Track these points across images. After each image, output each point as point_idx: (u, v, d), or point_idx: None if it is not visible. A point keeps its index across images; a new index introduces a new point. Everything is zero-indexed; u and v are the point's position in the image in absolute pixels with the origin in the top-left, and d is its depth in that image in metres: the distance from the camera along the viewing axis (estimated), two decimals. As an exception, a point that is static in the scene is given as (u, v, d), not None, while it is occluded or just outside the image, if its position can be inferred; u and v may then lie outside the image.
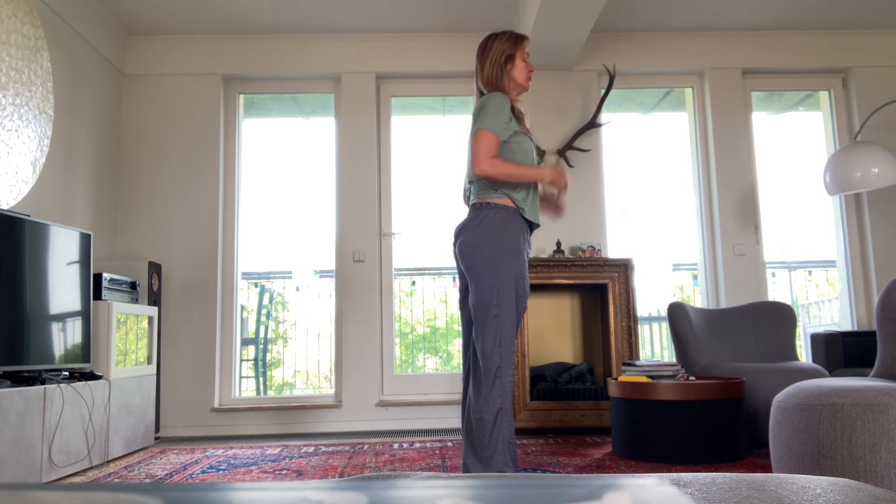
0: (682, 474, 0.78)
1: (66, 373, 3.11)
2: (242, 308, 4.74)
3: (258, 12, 4.41)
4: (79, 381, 3.06)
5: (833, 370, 4.07)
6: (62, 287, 3.07)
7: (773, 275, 4.95)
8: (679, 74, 4.91)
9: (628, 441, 3.15)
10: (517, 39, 2.59)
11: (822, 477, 0.77)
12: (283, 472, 3.04)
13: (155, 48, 4.67)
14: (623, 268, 4.20)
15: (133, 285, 3.83)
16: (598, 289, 4.43)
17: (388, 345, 4.55)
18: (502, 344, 2.34)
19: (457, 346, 4.83)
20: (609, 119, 4.79)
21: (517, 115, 2.56)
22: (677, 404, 3.03)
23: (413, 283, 4.84)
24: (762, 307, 4.07)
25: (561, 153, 4.59)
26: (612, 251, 4.66)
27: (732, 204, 4.69)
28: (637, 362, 3.37)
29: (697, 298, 4.86)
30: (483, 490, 0.35)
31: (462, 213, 4.85)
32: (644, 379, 3.18)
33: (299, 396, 4.59)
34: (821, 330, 4.50)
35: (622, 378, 3.25)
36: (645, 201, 4.87)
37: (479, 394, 2.36)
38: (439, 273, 4.83)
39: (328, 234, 4.67)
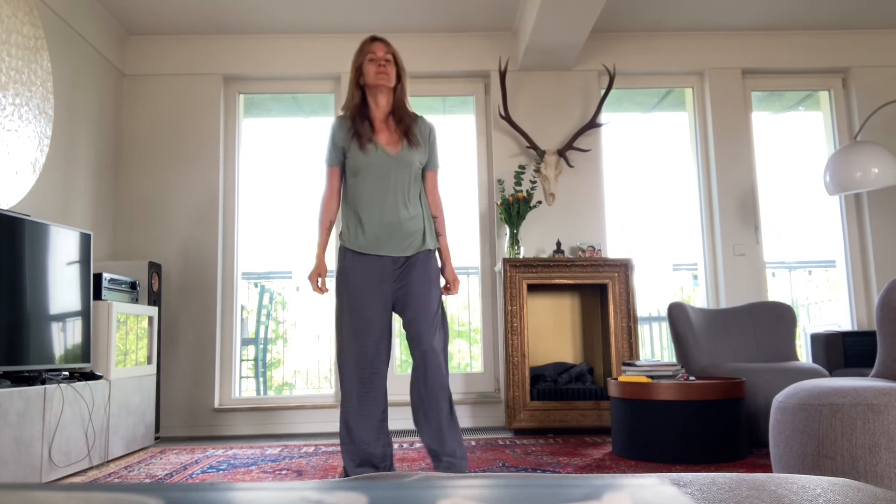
0: (682, 474, 0.78)
1: (66, 373, 3.11)
2: (242, 308, 4.74)
3: (258, 12, 4.41)
4: (79, 381, 3.06)
5: (833, 370, 4.07)
6: (62, 287, 3.07)
7: (773, 275, 4.95)
8: (679, 74, 4.91)
9: (628, 441, 3.15)
10: (360, 49, 2.66)
11: (822, 477, 0.77)
12: (283, 472, 3.04)
13: (155, 48, 4.67)
14: (623, 268, 4.20)
15: (133, 285, 3.83)
16: (598, 289, 4.43)
17: (388, 345, 4.55)
18: (339, 358, 2.61)
19: (456, 346, 4.83)
20: (609, 119, 4.79)
21: (358, 131, 2.58)
22: (677, 404, 3.03)
23: (413, 283, 4.83)
24: (762, 307, 4.07)
25: (561, 153, 4.59)
26: (612, 251, 4.66)
27: (732, 204, 4.69)
28: (637, 362, 3.37)
29: (697, 298, 4.86)
30: (483, 490, 0.35)
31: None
32: (644, 379, 3.18)
33: (299, 396, 4.59)
34: (821, 330, 4.50)
35: (622, 378, 3.25)
36: (645, 201, 4.87)
37: None
38: (439, 273, 4.83)
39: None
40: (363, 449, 2.52)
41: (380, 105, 2.62)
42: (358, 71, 2.63)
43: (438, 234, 2.72)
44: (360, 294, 2.57)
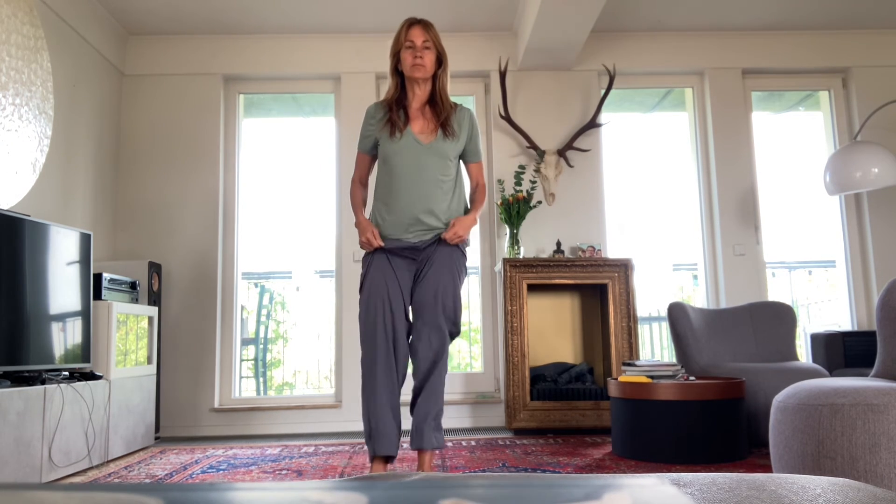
0: (682, 474, 0.78)
1: (66, 373, 3.11)
2: (242, 308, 4.74)
3: (258, 12, 4.41)
4: (79, 381, 3.06)
5: (833, 370, 4.07)
6: (62, 287, 3.07)
7: (773, 275, 4.95)
8: (679, 74, 4.91)
9: (628, 441, 3.15)
10: (398, 34, 2.56)
11: (822, 477, 0.77)
12: (283, 472, 3.04)
13: (155, 48, 4.67)
14: (623, 268, 4.20)
15: (133, 285, 3.83)
16: (598, 289, 4.43)
17: (388, 345, 4.55)
18: (361, 341, 2.56)
19: (456, 346, 4.83)
20: (609, 119, 4.79)
21: (392, 119, 2.52)
22: (677, 404, 3.03)
23: (413, 283, 4.83)
24: (762, 307, 4.07)
25: (561, 153, 4.59)
26: (612, 251, 4.66)
27: (732, 204, 4.69)
28: (637, 362, 3.37)
29: (697, 298, 4.86)
30: (483, 490, 0.36)
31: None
32: (644, 379, 3.18)
33: (299, 396, 4.60)
34: (821, 330, 4.50)
35: (622, 378, 3.25)
36: (645, 201, 4.87)
37: None
38: (439, 273, 4.82)
39: (328, 234, 4.67)
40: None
41: (417, 94, 2.56)
42: (396, 57, 2.56)
43: (473, 202, 2.66)
44: (381, 282, 2.51)
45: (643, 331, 5.20)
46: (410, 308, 2.59)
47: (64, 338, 3.06)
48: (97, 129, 4.25)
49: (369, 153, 2.64)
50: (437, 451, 2.82)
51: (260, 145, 4.83)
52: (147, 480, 2.87)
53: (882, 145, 4.18)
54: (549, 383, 4.17)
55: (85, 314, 3.22)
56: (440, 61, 2.56)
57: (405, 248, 2.54)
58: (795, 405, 1.74)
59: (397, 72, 2.58)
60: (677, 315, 3.87)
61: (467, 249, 2.69)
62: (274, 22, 4.54)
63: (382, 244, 2.52)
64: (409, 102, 2.57)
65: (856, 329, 4.64)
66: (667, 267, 4.90)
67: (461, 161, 2.68)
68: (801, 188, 4.89)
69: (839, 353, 4.09)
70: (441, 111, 2.54)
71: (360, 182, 2.67)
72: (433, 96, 2.57)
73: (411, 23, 2.54)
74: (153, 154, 4.58)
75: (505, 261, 4.16)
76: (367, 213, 2.73)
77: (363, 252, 2.68)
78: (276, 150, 4.84)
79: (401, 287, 2.53)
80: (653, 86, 4.94)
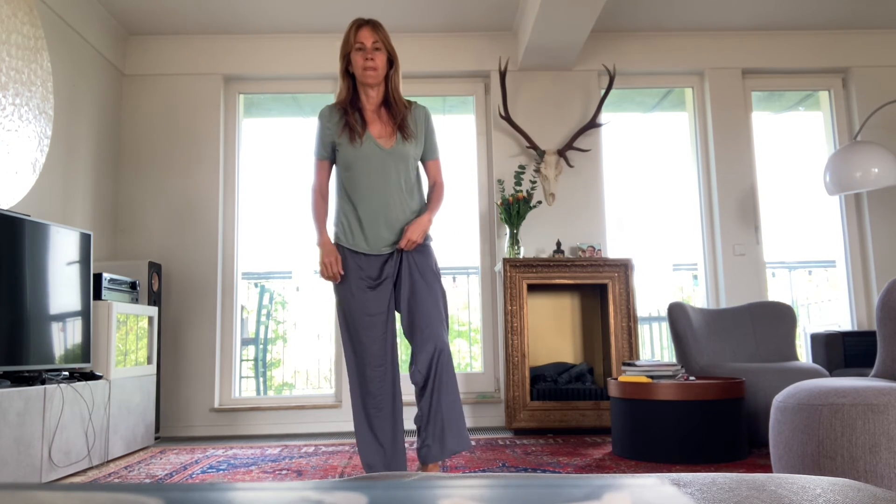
0: (682, 474, 0.78)
1: (66, 373, 3.11)
2: (242, 308, 4.74)
3: (258, 12, 4.41)
4: (79, 381, 3.06)
5: (833, 370, 4.07)
6: (62, 287, 3.07)
7: (773, 275, 4.95)
8: (679, 74, 4.91)
9: (628, 441, 3.15)
10: (346, 36, 2.52)
11: (822, 477, 0.77)
12: (283, 472, 3.04)
13: (155, 48, 4.67)
14: (623, 268, 4.20)
15: (133, 285, 3.83)
16: (598, 289, 4.43)
17: (388, 345, 4.54)
18: (345, 355, 2.55)
19: (456, 346, 4.83)
20: (609, 119, 4.79)
21: (349, 123, 2.47)
22: (677, 404, 3.03)
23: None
24: (762, 307, 4.07)
25: (561, 153, 4.59)
26: (612, 251, 4.66)
27: (732, 204, 4.69)
28: (637, 362, 3.37)
29: (697, 298, 4.85)
30: (483, 490, 0.36)
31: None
32: (644, 379, 3.18)
33: (299, 396, 4.60)
34: (821, 330, 4.50)
35: (622, 378, 3.25)
36: (645, 201, 4.87)
37: None
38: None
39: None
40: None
41: (370, 96, 2.52)
42: (346, 59, 2.52)
43: (430, 202, 2.59)
44: (362, 296, 2.50)
45: (643, 331, 5.20)
46: (401, 319, 2.53)
47: (64, 338, 3.06)
48: (97, 129, 4.25)
49: (329, 159, 2.58)
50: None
51: (260, 145, 4.83)
52: (147, 480, 2.87)
53: (882, 145, 4.18)
54: (549, 383, 4.17)
55: (85, 314, 3.22)
56: (391, 62, 2.52)
57: (375, 262, 2.51)
58: (795, 405, 1.74)
59: (348, 74, 2.55)
60: (677, 315, 3.87)
61: (432, 243, 2.62)
62: (274, 22, 4.54)
63: (343, 273, 2.50)
64: (363, 105, 2.53)
65: (856, 329, 4.64)
66: (667, 267, 4.90)
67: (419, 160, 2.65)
68: (801, 188, 4.89)
69: (839, 353, 4.09)
70: (397, 112, 2.51)
71: (320, 192, 2.61)
72: (387, 97, 2.54)
73: (360, 24, 2.50)
74: (153, 154, 4.58)
75: (505, 261, 4.16)
76: (331, 218, 2.69)
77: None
78: (276, 150, 4.84)
79: (387, 309, 2.51)
80: (653, 86, 4.94)
